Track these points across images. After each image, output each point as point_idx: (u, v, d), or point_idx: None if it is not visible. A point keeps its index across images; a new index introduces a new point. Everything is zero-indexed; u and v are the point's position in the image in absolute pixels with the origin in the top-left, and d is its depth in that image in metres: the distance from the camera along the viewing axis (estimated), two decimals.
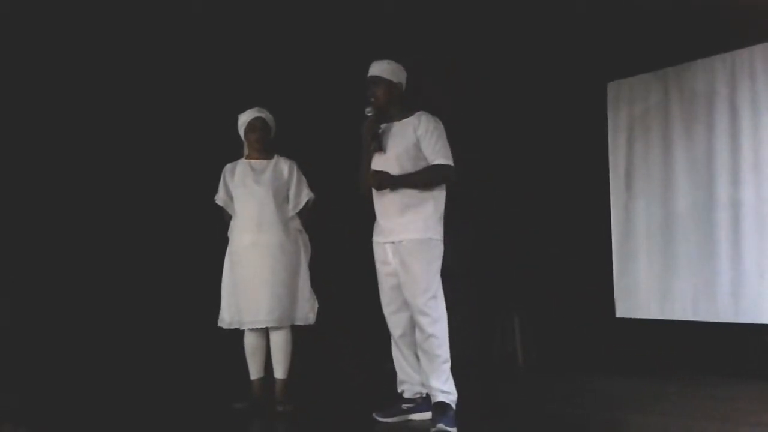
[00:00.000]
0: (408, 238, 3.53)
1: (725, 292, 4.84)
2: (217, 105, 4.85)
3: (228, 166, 4.19)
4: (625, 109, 5.44)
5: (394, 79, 3.70)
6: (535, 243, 5.57)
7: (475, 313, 5.54)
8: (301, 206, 4.13)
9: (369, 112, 3.63)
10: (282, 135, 4.28)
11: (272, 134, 4.22)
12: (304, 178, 4.17)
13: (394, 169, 3.55)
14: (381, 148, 3.61)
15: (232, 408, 4.06)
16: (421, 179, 3.56)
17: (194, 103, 5.30)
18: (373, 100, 3.65)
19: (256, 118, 4.13)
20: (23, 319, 4.67)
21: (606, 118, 5.52)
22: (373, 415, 3.71)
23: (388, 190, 3.57)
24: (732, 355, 4.79)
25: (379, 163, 3.60)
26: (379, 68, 3.70)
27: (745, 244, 4.77)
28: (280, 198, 4.09)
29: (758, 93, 4.78)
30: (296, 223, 4.13)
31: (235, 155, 4.25)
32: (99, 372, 4.79)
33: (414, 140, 3.57)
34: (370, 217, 3.79)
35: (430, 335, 3.48)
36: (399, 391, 3.77)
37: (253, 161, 4.16)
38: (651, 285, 5.22)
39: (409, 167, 3.56)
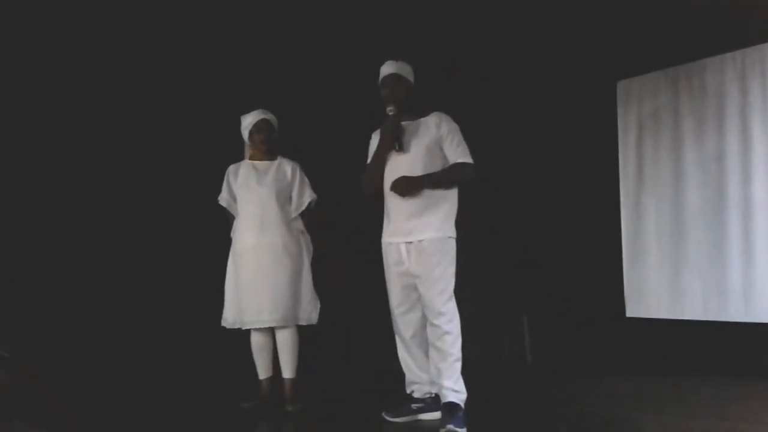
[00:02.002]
0: (427, 238, 3.51)
1: (736, 292, 4.81)
2: (219, 106, 4.85)
3: (231, 167, 4.20)
4: (635, 107, 5.41)
5: (411, 79, 3.71)
6: (544, 242, 5.55)
7: (484, 312, 5.53)
8: (303, 207, 4.14)
9: (391, 111, 3.61)
10: (284, 136, 4.28)
11: (275, 135, 4.23)
12: (307, 180, 4.18)
13: (418, 168, 3.52)
14: (403, 148, 3.58)
15: (240, 407, 4.07)
16: (446, 178, 3.57)
17: (197, 104, 5.30)
18: (393, 98, 3.61)
19: (263, 120, 4.15)
20: (32, 319, 4.69)
21: (616, 117, 5.50)
22: (383, 414, 3.71)
23: None
24: (742, 354, 4.76)
25: (402, 162, 3.56)
26: (399, 67, 3.69)
27: (755, 243, 4.74)
28: (283, 199, 4.10)
29: None
30: (299, 224, 4.13)
31: (239, 156, 4.26)
32: (106, 371, 4.80)
33: (436, 138, 3.57)
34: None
35: (446, 332, 3.48)
36: (408, 391, 3.77)
37: (256, 162, 4.17)
38: (661, 284, 5.19)
39: (432, 166, 3.55)
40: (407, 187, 3.51)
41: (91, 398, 4.40)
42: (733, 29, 4.74)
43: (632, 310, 5.33)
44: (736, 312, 4.80)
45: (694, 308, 5.01)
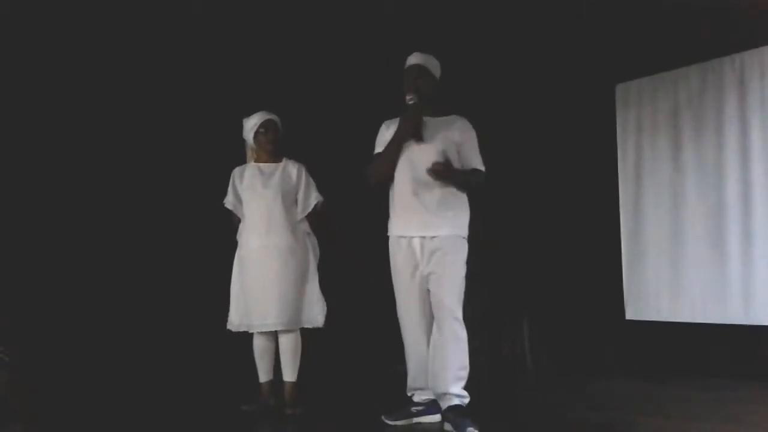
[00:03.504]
0: (444, 234, 3.49)
1: (735, 294, 4.81)
2: (223, 109, 4.86)
3: (237, 170, 4.20)
4: (634, 111, 5.41)
5: (436, 75, 3.67)
6: (543, 245, 5.55)
7: (484, 315, 5.52)
8: (309, 209, 4.13)
9: (412, 99, 3.52)
10: (287, 138, 4.28)
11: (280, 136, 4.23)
12: (312, 181, 4.18)
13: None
14: (423, 139, 3.52)
15: (240, 411, 4.07)
16: (468, 179, 3.58)
17: (201, 107, 5.31)
18: (415, 89, 3.53)
19: (269, 120, 4.14)
20: (36, 321, 4.69)
21: (615, 120, 5.51)
22: (382, 417, 3.70)
23: (428, 184, 3.49)
24: (742, 357, 4.76)
25: (420, 155, 3.50)
26: (425, 60, 3.64)
27: (755, 245, 4.73)
28: (289, 201, 4.10)
29: None
30: (305, 226, 4.13)
31: (244, 159, 4.26)
32: (108, 373, 4.80)
33: (457, 140, 3.55)
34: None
35: (459, 338, 3.48)
36: (408, 394, 3.76)
37: (262, 164, 4.16)
38: (660, 287, 5.19)
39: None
40: (444, 174, 3.45)
41: (93, 399, 4.40)
42: (732, 32, 4.75)
43: (632, 312, 5.33)
44: (735, 314, 4.80)
45: (694, 310, 5.00)
